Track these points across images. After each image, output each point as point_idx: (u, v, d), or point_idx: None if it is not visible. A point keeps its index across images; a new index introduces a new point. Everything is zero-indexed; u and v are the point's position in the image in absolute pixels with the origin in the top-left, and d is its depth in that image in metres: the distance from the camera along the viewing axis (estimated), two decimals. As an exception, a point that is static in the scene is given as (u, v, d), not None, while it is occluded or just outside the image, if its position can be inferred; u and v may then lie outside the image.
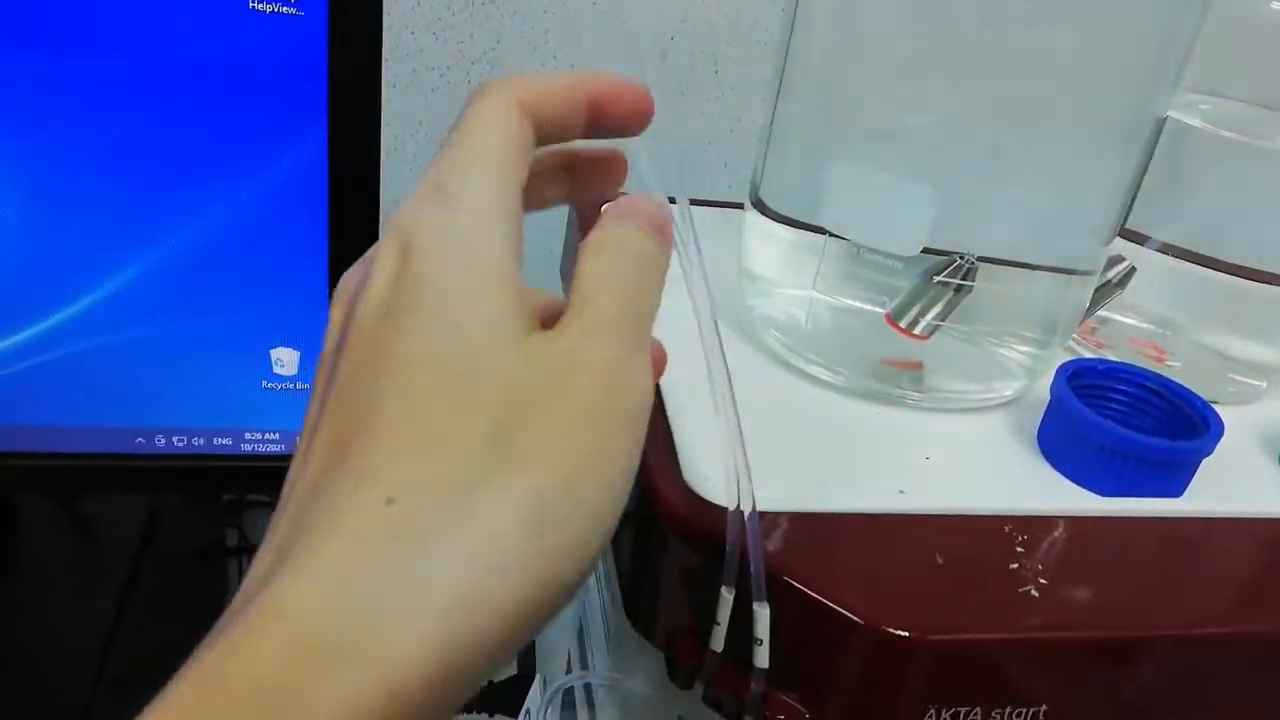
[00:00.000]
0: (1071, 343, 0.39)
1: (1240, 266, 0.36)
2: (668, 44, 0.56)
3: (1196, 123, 0.35)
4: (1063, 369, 0.32)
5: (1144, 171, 0.33)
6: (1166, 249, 0.37)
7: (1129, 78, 0.31)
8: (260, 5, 0.34)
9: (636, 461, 0.19)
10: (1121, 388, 0.32)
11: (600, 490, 0.18)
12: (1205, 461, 0.30)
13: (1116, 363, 0.33)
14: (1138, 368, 0.33)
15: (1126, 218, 0.35)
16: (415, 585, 0.16)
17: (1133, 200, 0.34)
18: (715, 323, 0.23)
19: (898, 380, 0.34)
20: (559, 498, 0.17)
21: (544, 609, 0.17)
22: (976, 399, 0.34)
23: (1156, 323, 0.38)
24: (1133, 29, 0.30)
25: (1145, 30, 0.30)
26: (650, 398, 0.19)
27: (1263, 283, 0.36)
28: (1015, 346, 0.35)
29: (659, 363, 0.22)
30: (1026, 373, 0.35)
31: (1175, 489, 0.31)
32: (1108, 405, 0.32)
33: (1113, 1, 0.29)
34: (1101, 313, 0.38)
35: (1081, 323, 0.38)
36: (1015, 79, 0.30)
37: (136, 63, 0.34)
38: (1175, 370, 0.37)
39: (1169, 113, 0.33)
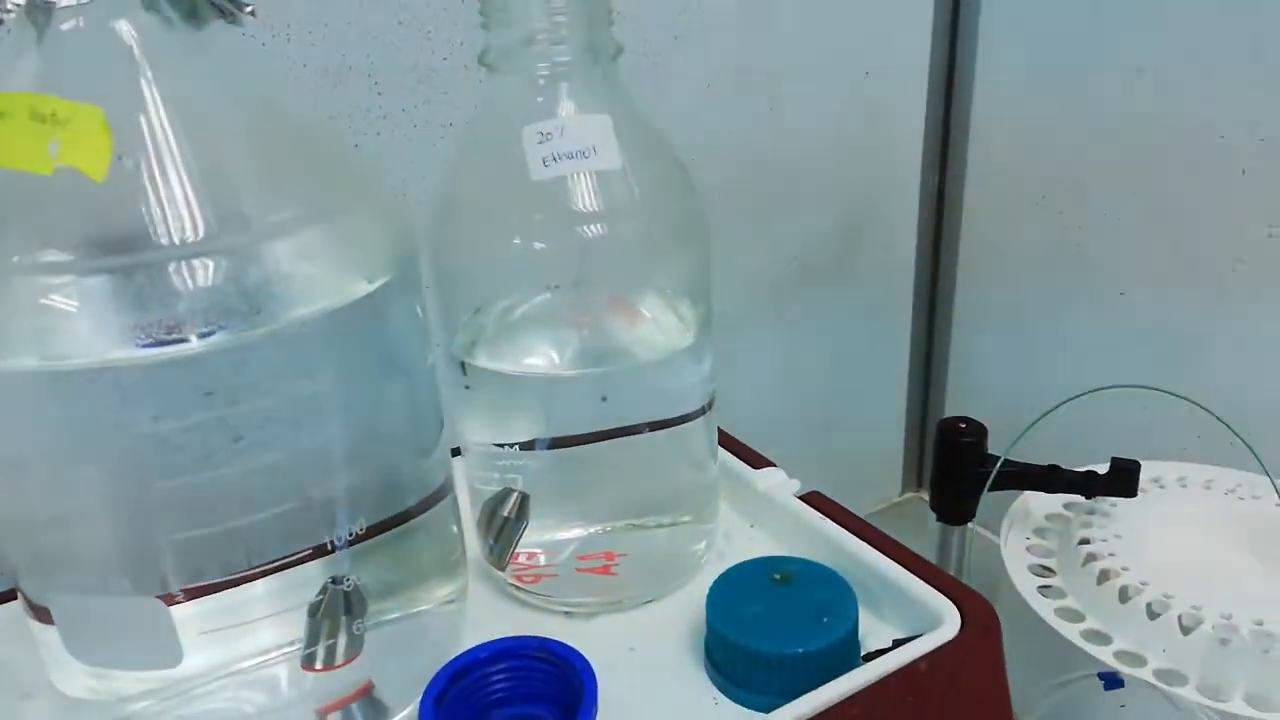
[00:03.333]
0: (512, 588, 0.36)
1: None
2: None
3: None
4: (433, 683, 0.29)
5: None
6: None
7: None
8: None
9: None
10: (502, 665, 0.30)
11: None
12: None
13: (496, 643, 0.30)
14: (517, 640, 0.30)
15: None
16: None
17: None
18: None
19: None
20: None
21: None
22: None
23: (588, 522, 0.36)
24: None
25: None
26: None
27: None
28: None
29: None
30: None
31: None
32: (495, 691, 0.30)
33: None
34: (524, 548, 0.35)
35: (506, 566, 0.35)
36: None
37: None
38: (627, 564, 0.35)
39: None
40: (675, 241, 0.34)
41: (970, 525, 0.53)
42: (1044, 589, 0.49)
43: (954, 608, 0.31)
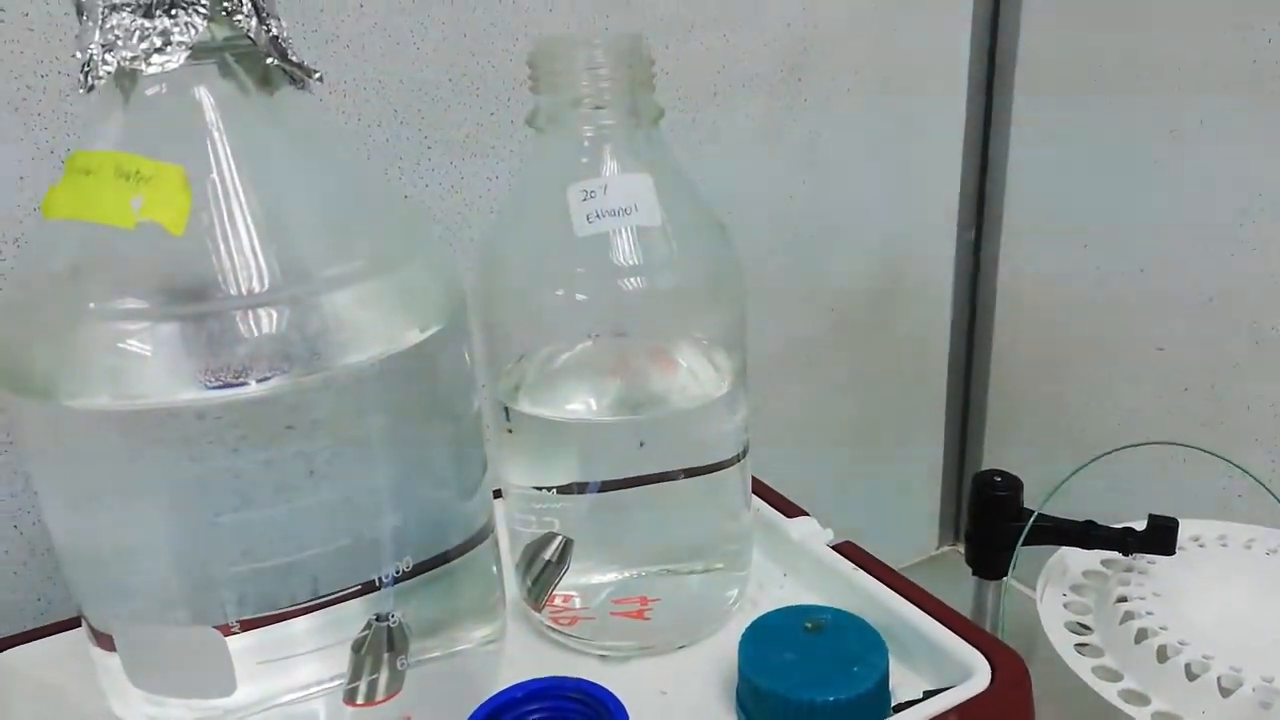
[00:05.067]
0: (548, 629, 0.37)
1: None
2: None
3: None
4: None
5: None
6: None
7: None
8: None
9: None
10: (537, 705, 0.30)
11: None
12: None
13: (532, 683, 0.31)
14: (553, 681, 0.31)
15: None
16: None
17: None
18: None
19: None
20: None
21: None
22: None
23: (622, 567, 0.37)
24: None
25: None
26: None
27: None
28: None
29: None
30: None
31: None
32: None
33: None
34: (560, 591, 0.36)
35: (544, 608, 0.36)
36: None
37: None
38: (661, 609, 0.36)
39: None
40: (711, 294, 0.36)
41: (1005, 579, 0.53)
42: (1081, 646, 0.48)
43: (985, 660, 0.31)
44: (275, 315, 0.26)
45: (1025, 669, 0.30)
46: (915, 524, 0.82)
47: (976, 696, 0.29)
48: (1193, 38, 0.57)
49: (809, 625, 0.32)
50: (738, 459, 0.37)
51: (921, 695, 0.31)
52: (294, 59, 0.28)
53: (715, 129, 0.60)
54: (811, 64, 0.62)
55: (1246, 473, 0.47)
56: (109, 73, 0.26)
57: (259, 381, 0.26)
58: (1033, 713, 0.30)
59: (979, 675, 0.30)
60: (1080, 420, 0.70)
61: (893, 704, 0.31)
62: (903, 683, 0.32)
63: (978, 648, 0.31)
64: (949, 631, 0.32)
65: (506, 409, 0.35)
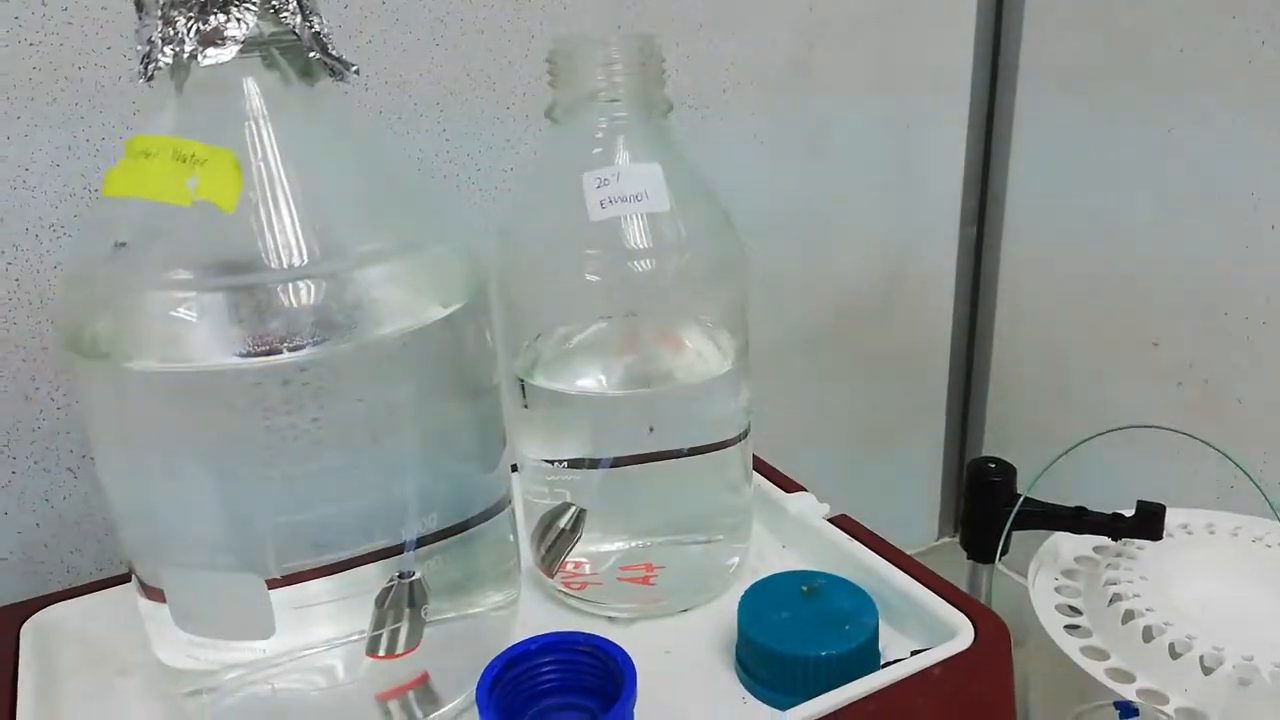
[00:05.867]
0: (560, 594, 0.39)
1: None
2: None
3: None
4: (487, 671, 0.31)
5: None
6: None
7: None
8: None
9: None
10: (550, 658, 0.33)
11: None
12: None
13: (545, 637, 0.33)
14: (565, 635, 0.33)
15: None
16: None
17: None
18: None
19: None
20: None
21: None
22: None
23: (630, 536, 0.39)
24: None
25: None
26: None
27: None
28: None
29: None
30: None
31: None
32: (544, 681, 0.32)
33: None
34: (571, 558, 0.38)
35: (555, 574, 0.38)
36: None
37: None
38: (665, 576, 0.38)
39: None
40: (716, 278, 0.38)
41: (996, 563, 0.55)
42: (1071, 628, 0.50)
43: (969, 622, 0.33)
44: (311, 288, 0.28)
45: (1006, 630, 0.32)
46: (916, 514, 0.84)
47: (959, 654, 0.31)
48: (1191, 38, 0.59)
49: (805, 589, 0.34)
50: (740, 438, 0.39)
51: (909, 654, 0.33)
52: (334, 53, 0.30)
53: (723, 124, 0.62)
54: (817, 61, 0.64)
55: (1225, 455, 0.48)
56: (167, 64, 0.28)
57: (295, 350, 0.28)
58: (1011, 671, 0.32)
59: (962, 635, 0.32)
60: (1079, 413, 0.72)
61: (882, 661, 0.33)
62: (894, 643, 0.34)
63: (963, 611, 0.33)
64: (936, 596, 0.34)
65: (523, 385, 0.37)
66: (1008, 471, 0.53)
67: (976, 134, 0.73)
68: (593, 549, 0.38)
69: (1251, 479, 0.48)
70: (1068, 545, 0.56)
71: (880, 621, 0.33)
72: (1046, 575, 0.54)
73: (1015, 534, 0.53)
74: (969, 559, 0.56)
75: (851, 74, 0.66)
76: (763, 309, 0.61)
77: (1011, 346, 0.77)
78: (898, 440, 0.78)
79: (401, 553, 0.31)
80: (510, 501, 0.37)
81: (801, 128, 0.66)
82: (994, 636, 0.32)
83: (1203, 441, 0.49)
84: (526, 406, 0.38)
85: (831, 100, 0.66)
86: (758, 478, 0.43)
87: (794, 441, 0.72)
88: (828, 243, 0.69)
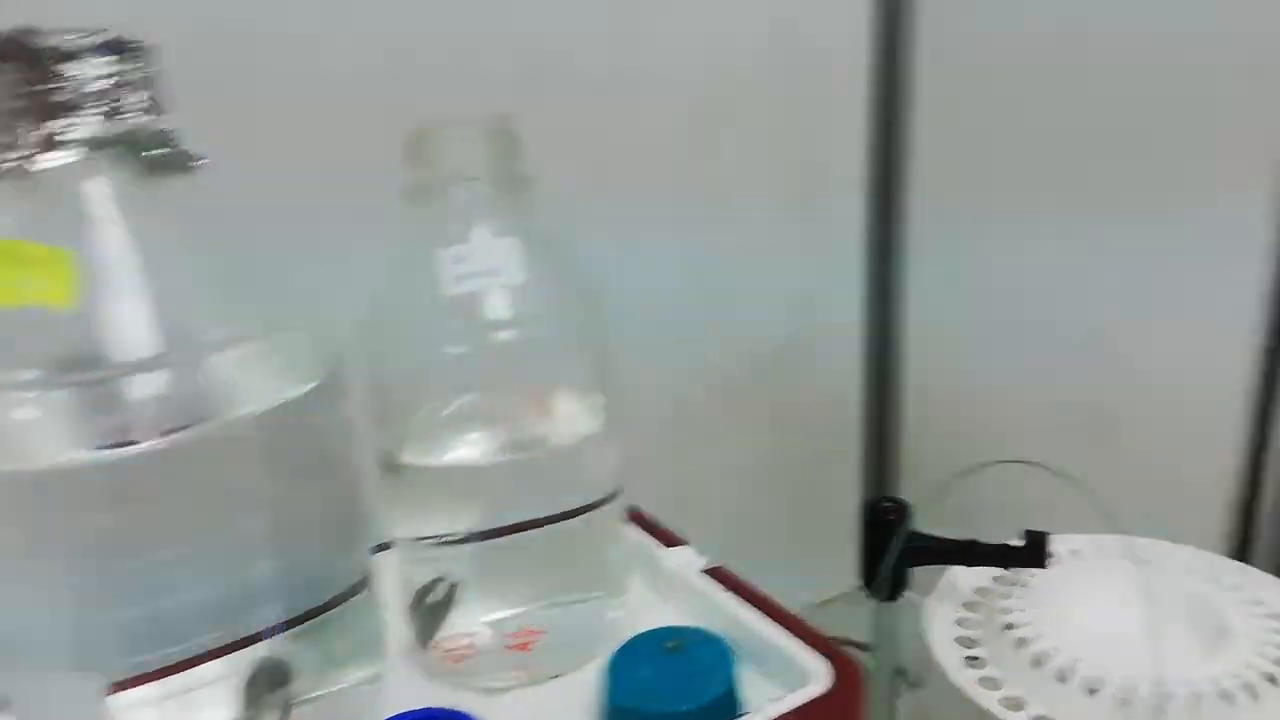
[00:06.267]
0: (436, 669, 0.39)
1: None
2: None
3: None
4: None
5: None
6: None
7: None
8: None
9: None
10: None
11: None
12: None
13: (410, 713, 0.34)
14: (426, 711, 0.33)
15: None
16: None
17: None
18: None
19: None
20: None
21: None
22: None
23: (508, 604, 0.39)
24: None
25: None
26: None
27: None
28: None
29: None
30: None
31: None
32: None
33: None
34: (448, 631, 0.38)
35: (431, 648, 0.38)
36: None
37: None
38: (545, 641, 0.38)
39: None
40: (576, 342, 0.39)
41: (895, 601, 0.56)
42: (971, 659, 0.51)
43: (827, 665, 0.34)
44: (157, 379, 0.29)
45: (858, 671, 0.34)
46: (836, 560, 0.84)
47: (815, 700, 0.32)
48: (1077, 156, 0.63)
49: (669, 645, 0.35)
50: (613, 496, 0.40)
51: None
52: (181, 147, 0.32)
53: (621, 189, 0.64)
54: (713, 131, 0.67)
55: (1070, 479, 0.50)
56: (9, 169, 0.29)
57: (140, 442, 0.29)
58: (864, 711, 0.33)
59: (817, 680, 0.33)
60: (991, 451, 0.74)
61: (742, 712, 0.34)
62: (761, 691, 0.35)
63: (823, 654, 0.34)
64: (797, 641, 0.35)
65: (394, 463, 0.38)
66: (901, 510, 0.55)
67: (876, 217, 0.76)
68: (470, 620, 0.39)
69: (1099, 503, 0.50)
70: (965, 578, 0.57)
71: (750, 670, 0.34)
72: (947, 609, 0.55)
73: (918, 570, 0.54)
74: (868, 597, 0.57)
75: (752, 142, 0.68)
76: (672, 363, 0.63)
77: (922, 396, 0.79)
78: (813, 488, 0.80)
79: (260, 639, 0.32)
80: (373, 579, 0.37)
81: (701, 190, 0.68)
82: (847, 678, 0.33)
83: (1060, 474, 0.51)
84: (398, 484, 0.38)
85: (731, 164, 0.68)
86: (638, 533, 0.44)
87: (707, 492, 0.73)
88: (731, 298, 0.71)
